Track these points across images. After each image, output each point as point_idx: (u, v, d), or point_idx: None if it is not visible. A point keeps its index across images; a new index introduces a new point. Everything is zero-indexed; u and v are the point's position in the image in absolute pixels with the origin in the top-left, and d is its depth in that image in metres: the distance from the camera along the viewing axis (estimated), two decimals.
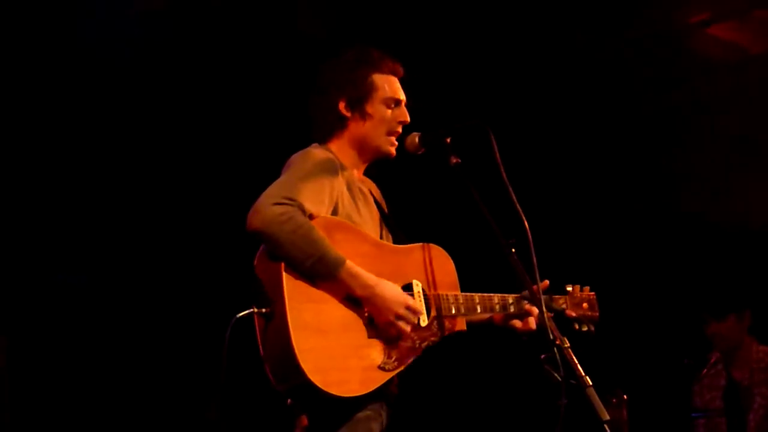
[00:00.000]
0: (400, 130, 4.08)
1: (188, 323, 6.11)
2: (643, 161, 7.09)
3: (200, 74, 5.93)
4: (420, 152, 4.05)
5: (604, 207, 7.19)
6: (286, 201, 3.60)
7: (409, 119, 4.09)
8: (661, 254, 7.28)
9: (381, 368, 3.71)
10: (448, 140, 3.97)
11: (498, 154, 3.74)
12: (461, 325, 3.98)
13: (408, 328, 3.74)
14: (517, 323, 4.13)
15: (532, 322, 4.09)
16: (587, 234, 7.18)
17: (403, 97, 4.09)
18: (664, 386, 6.85)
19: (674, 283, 7.24)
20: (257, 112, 6.18)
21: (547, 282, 4.16)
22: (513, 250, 3.72)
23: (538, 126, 6.83)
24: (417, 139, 4.03)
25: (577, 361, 3.51)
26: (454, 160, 3.93)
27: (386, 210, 4.15)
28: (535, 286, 3.72)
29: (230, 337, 3.59)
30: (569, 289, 4.38)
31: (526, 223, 3.60)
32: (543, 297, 3.65)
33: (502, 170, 3.71)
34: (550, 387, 3.48)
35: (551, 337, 3.55)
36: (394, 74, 4.11)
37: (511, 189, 3.67)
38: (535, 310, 4.08)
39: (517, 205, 3.64)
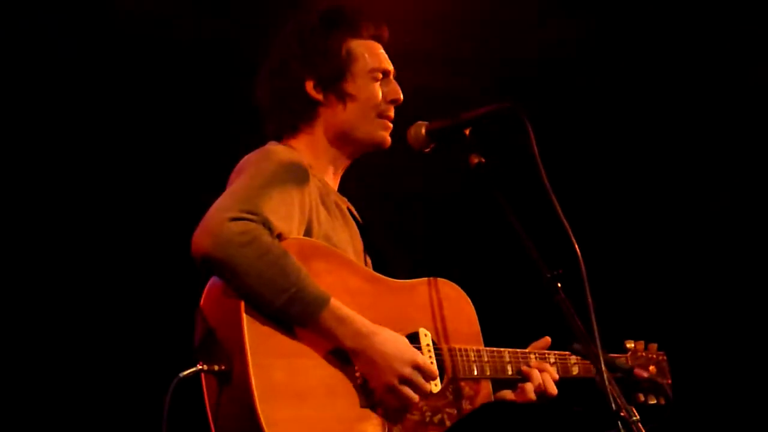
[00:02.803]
0: (392, 113, 3.76)
1: (112, 383, 5.75)
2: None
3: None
4: (428, 149, 3.69)
5: (692, 225, 6.71)
6: (246, 215, 3.26)
7: (402, 96, 3.77)
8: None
9: None
10: (468, 132, 3.61)
11: (537, 151, 3.36)
12: (486, 391, 3.66)
13: (416, 397, 3.41)
14: (507, 393, 3.83)
15: (530, 391, 3.77)
16: (665, 266, 6.65)
17: (391, 67, 3.80)
18: None
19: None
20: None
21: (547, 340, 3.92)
22: (559, 285, 3.33)
23: (597, 110, 6.47)
24: (424, 131, 3.66)
25: None
26: (476, 160, 3.57)
27: (369, 233, 3.84)
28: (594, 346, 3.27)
29: (171, 403, 3.28)
30: (630, 346, 4.10)
31: (577, 248, 3.24)
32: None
33: (543, 173, 3.34)
34: None
35: (614, 407, 3.14)
36: (377, 39, 3.80)
37: (555, 200, 3.30)
38: (535, 373, 3.78)
39: (565, 222, 3.27)
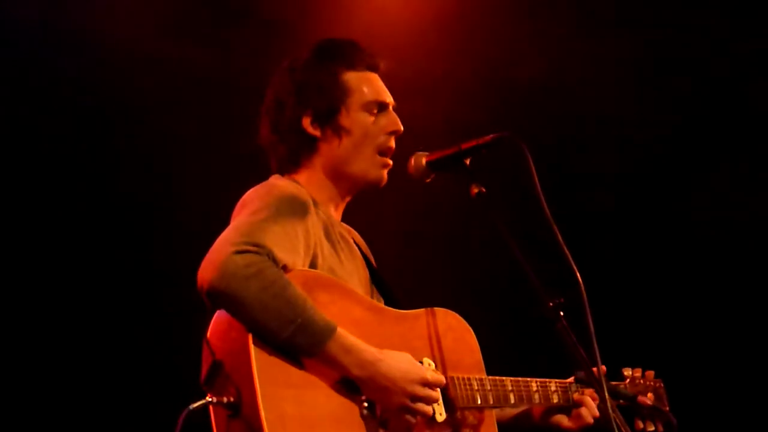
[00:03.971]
0: (392, 144, 3.69)
1: (121, 416, 5.66)
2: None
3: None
4: (428, 179, 3.64)
5: (687, 253, 6.59)
6: (251, 248, 3.22)
7: (401, 127, 3.69)
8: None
9: None
10: (468, 162, 3.55)
11: (537, 180, 3.31)
12: (489, 421, 3.65)
13: (430, 411, 3.39)
14: (563, 419, 3.86)
15: (587, 415, 3.81)
16: (664, 293, 6.54)
17: (389, 98, 3.72)
18: None
19: None
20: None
21: (603, 368, 3.84)
22: (561, 313, 3.30)
23: (597, 136, 6.38)
24: (424, 161, 3.61)
25: None
26: (476, 190, 3.50)
27: (374, 264, 3.80)
28: (594, 368, 3.26)
29: None
30: (627, 373, 4.07)
31: (578, 276, 3.21)
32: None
33: (543, 202, 3.28)
34: None
35: None
36: (373, 69, 3.72)
37: (556, 228, 3.25)
38: (588, 400, 3.81)
39: (566, 251, 3.23)
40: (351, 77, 3.66)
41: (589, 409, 3.80)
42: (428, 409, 3.37)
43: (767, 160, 6.28)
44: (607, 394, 3.21)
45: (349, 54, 3.69)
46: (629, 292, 6.27)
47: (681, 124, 6.22)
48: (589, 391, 3.81)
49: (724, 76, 6.16)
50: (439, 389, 3.48)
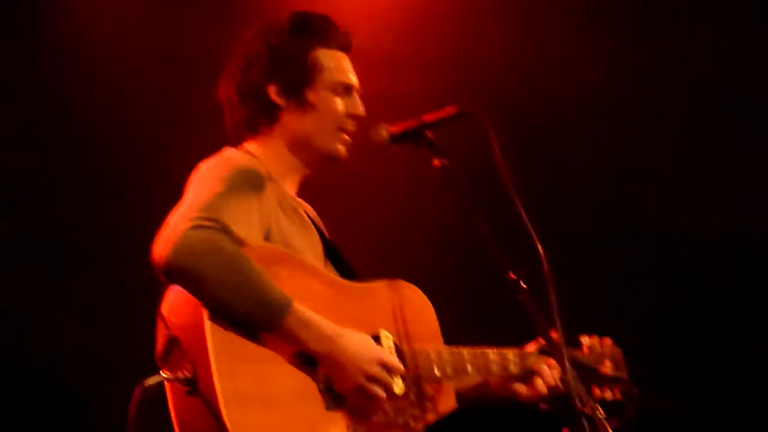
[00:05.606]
0: (351, 126, 3.71)
1: (77, 392, 5.60)
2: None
3: None
4: (390, 151, 3.62)
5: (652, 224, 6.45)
6: (208, 223, 3.20)
7: (363, 111, 3.72)
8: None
9: None
10: (430, 134, 3.52)
11: (499, 153, 3.30)
12: (448, 392, 3.64)
13: (384, 394, 3.37)
14: (521, 388, 3.83)
15: (541, 385, 3.78)
16: (625, 260, 6.38)
17: (355, 81, 3.74)
18: None
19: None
20: None
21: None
22: (523, 284, 3.28)
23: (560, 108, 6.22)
24: (385, 133, 3.59)
25: None
26: (438, 162, 3.48)
27: (327, 236, 3.78)
28: (554, 333, 3.24)
29: (136, 412, 3.21)
30: (585, 341, 4.01)
31: (539, 247, 3.19)
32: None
33: (506, 174, 3.28)
34: None
35: (579, 404, 3.13)
36: (344, 49, 3.75)
37: (518, 200, 3.24)
38: (544, 368, 3.79)
39: (527, 223, 3.23)
40: (323, 54, 3.67)
41: (544, 377, 3.77)
42: (382, 393, 3.35)
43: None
44: (567, 363, 3.20)
45: (324, 31, 3.70)
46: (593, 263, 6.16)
47: (660, 109, 6.11)
48: (545, 359, 3.78)
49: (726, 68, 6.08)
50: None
